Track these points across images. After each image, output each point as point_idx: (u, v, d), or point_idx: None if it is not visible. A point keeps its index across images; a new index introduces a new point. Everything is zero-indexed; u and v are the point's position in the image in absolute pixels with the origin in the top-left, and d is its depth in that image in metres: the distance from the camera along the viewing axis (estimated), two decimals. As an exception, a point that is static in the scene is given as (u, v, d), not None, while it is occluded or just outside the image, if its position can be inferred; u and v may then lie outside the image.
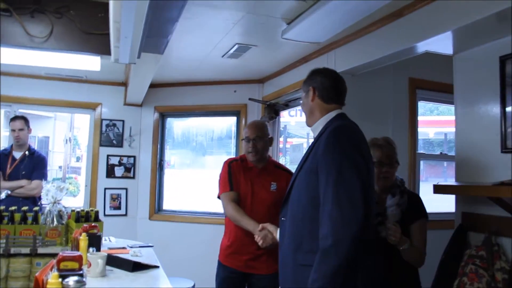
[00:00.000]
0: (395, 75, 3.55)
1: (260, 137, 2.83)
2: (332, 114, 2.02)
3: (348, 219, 1.71)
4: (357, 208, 1.73)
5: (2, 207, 2.91)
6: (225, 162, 2.97)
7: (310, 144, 2.06)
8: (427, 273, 2.50)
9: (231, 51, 3.57)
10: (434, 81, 3.64)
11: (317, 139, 1.95)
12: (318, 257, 1.73)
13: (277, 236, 2.38)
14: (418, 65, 3.57)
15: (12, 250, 2.72)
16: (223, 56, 3.74)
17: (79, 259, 1.79)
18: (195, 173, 5.74)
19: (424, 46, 2.60)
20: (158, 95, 5.10)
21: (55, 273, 1.60)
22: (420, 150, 3.98)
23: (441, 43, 2.55)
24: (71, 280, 1.58)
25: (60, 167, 18.03)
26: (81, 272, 1.70)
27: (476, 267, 2.27)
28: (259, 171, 2.88)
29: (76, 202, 11.36)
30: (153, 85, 4.93)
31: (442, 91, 3.61)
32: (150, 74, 3.61)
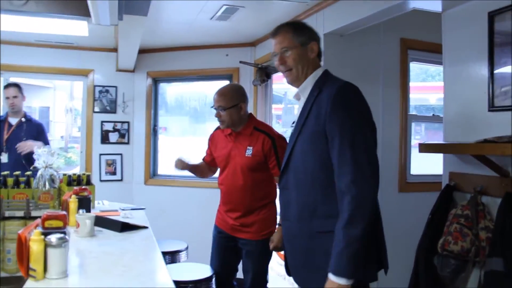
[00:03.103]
0: (386, 36, 3.51)
1: (222, 106, 2.76)
2: (319, 72, 1.91)
3: (370, 180, 1.66)
4: (376, 168, 1.69)
5: (6, 172, 2.94)
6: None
7: (302, 108, 1.89)
8: (416, 234, 2.53)
9: (219, 13, 3.51)
10: (426, 41, 3.59)
11: (313, 100, 1.81)
12: (342, 225, 1.63)
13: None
14: (410, 25, 3.51)
15: (7, 213, 2.77)
16: (211, 18, 3.69)
17: (63, 218, 1.82)
18: (190, 139, 5.75)
19: (412, 3, 2.56)
20: (150, 61, 5.07)
21: (37, 230, 1.63)
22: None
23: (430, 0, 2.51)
24: (53, 237, 1.61)
25: (62, 137, 18.07)
26: (64, 230, 1.73)
27: (460, 226, 2.29)
28: (235, 136, 2.86)
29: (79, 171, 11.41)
30: (145, 51, 4.91)
31: (435, 52, 3.56)
32: (137, 37, 3.58)
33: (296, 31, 1.90)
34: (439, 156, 2.72)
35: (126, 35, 3.52)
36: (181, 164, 3.02)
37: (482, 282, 2.15)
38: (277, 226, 2.78)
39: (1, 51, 4.57)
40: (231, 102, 2.76)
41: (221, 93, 2.82)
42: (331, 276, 1.64)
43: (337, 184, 1.70)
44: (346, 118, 1.70)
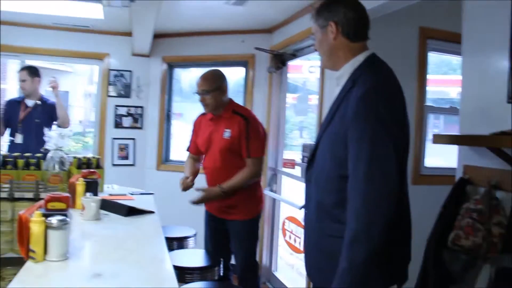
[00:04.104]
0: (405, 24, 3.40)
1: (206, 90, 2.89)
2: (361, 58, 1.68)
3: (382, 201, 1.49)
4: (391, 189, 1.51)
5: (17, 154, 2.97)
6: None
7: (335, 98, 1.71)
8: (428, 227, 2.47)
9: (235, -4, 3.45)
10: (446, 30, 3.48)
11: (344, 95, 1.64)
12: (347, 243, 1.52)
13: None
14: (430, 14, 3.40)
15: (16, 195, 2.79)
16: (227, 2, 3.62)
17: (66, 200, 1.82)
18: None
19: (432, -11, 2.47)
20: (165, 46, 5.04)
21: (38, 211, 1.62)
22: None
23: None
24: (54, 219, 1.61)
25: (80, 121, 18.28)
26: (65, 212, 1.72)
27: (473, 220, 2.22)
28: (216, 119, 2.98)
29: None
30: (160, 35, 4.88)
31: (455, 42, 3.44)
32: (151, 21, 3.55)
33: (317, 14, 1.73)
34: (455, 149, 2.64)
35: (140, 19, 3.50)
36: (187, 185, 3.12)
37: (493, 279, 2.09)
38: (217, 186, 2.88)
39: (18, 33, 4.61)
40: (214, 85, 2.90)
41: (204, 77, 2.96)
42: None
43: (348, 196, 1.56)
44: (367, 130, 1.51)
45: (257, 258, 3.21)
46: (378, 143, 1.51)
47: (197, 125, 3.16)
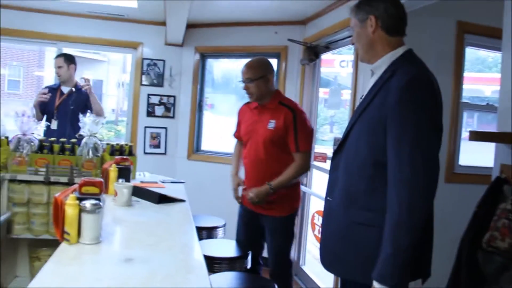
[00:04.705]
0: (442, 18, 3.31)
1: (250, 78, 2.82)
2: (400, 51, 1.72)
3: (426, 187, 1.53)
4: (435, 174, 1.56)
5: (53, 138, 3.04)
6: None
7: (371, 86, 1.75)
8: (461, 227, 2.41)
9: (269, -13, 3.44)
10: (485, 25, 3.37)
11: (382, 84, 1.66)
12: (390, 228, 1.54)
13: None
14: (469, 8, 3.30)
15: (52, 179, 2.87)
16: (261, -7, 3.62)
17: (99, 185, 1.85)
18: (234, 116, 5.73)
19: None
20: (198, 36, 5.06)
21: (73, 195, 1.66)
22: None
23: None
24: (88, 203, 1.64)
25: (113, 110, 18.63)
26: (99, 197, 1.75)
27: (509, 221, 2.14)
28: (260, 109, 2.90)
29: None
30: (193, 25, 4.91)
31: (494, 37, 3.34)
32: (185, 11, 3.57)
33: (357, 8, 1.79)
34: (491, 148, 2.56)
35: (174, 9, 3.52)
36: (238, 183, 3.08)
37: (529, 282, 2.03)
38: (265, 184, 2.78)
39: (55, 20, 4.72)
40: (259, 73, 2.82)
41: (249, 65, 2.88)
42: (374, 283, 1.56)
43: (389, 182, 1.58)
44: (411, 116, 1.54)
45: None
46: (422, 130, 1.54)
47: (241, 113, 3.09)
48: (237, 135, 3.14)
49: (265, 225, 2.90)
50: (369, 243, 1.64)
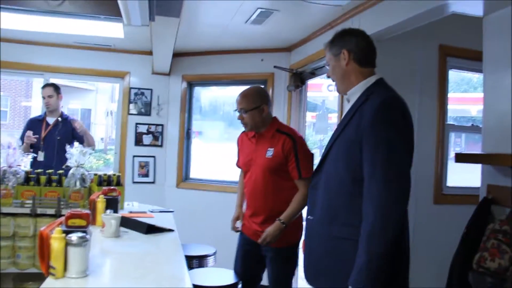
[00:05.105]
0: (425, 42, 3.39)
1: (244, 109, 2.75)
2: (372, 79, 1.88)
3: (397, 201, 1.66)
4: (406, 188, 1.68)
5: (40, 170, 3.01)
6: None
7: (347, 111, 1.91)
8: (451, 248, 2.41)
9: (254, 16, 3.49)
10: (466, 48, 3.45)
11: (358, 107, 1.81)
12: (365, 237, 1.65)
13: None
14: (450, 31, 3.38)
15: (39, 211, 2.83)
16: (246, 22, 3.67)
17: (86, 217, 1.83)
18: (223, 143, 5.75)
19: (452, 6, 2.45)
20: (185, 64, 5.11)
21: (59, 228, 1.63)
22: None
23: (471, 3, 2.39)
24: (74, 236, 1.61)
25: (102, 139, 18.56)
26: (85, 229, 1.73)
27: (498, 242, 2.16)
28: (257, 138, 2.84)
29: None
30: (180, 54, 4.96)
31: (475, 59, 3.40)
32: (171, 40, 3.60)
33: (332, 44, 1.96)
34: (478, 169, 2.59)
35: (160, 37, 3.56)
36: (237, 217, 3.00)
37: (521, 303, 2.02)
38: (276, 221, 2.68)
39: (42, 52, 4.74)
40: (253, 104, 2.75)
41: (243, 95, 2.82)
42: None
43: (364, 197, 1.70)
44: (384, 135, 1.69)
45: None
46: (394, 148, 1.68)
47: (240, 142, 3.03)
48: (238, 164, 3.07)
49: (267, 255, 2.81)
50: (350, 256, 1.72)
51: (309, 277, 1.97)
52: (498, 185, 2.38)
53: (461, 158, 2.44)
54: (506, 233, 2.14)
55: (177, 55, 4.86)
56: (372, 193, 1.67)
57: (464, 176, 3.63)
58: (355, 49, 1.89)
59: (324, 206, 1.87)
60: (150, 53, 4.84)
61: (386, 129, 1.69)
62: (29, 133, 4.06)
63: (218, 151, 5.61)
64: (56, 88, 4.18)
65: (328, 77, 2.04)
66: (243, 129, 2.94)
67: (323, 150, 1.98)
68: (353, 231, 1.72)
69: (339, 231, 1.79)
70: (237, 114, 2.83)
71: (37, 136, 4.06)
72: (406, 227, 1.86)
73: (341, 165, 1.81)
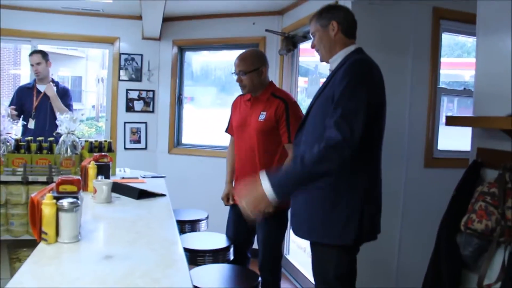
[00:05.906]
0: (418, 4, 3.33)
1: (243, 71, 2.78)
2: (352, 48, 2.05)
3: (347, 138, 1.77)
4: (356, 133, 1.79)
5: (30, 138, 2.99)
6: None
7: (328, 76, 2.06)
8: (441, 211, 2.45)
9: (245, -22, 3.41)
10: (460, 10, 3.40)
11: (336, 70, 1.98)
12: (309, 156, 1.82)
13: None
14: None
15: (30, 178, 2.83)
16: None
17: (77, 183, 1.82)
18: (215, 109, 5.71)
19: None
20: (176, 29, 5.02)
21: (49, 194, 1.64)
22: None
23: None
24: (65, 201, 1.61)
25: (93, 106, 18.41)
26: (76, 195, 1.73)
27: (486, 204, 2.19)
28: (253, 101, 2.87)
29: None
30: (170, 19, 4.86)
31: (469, 22, 3.36)
32: (161, 3, 3.53)
33: (319, 16, 2.10)
34: (469, 132, 2.60)
35: (150, 2, 3.47)
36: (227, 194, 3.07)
37: (507, 263, 2.07)
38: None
39: (29, 17, 4.63)
40: (252, 66, 2.78)
41: (242, 57, 2.84)
42: (266, 184, 1.86)
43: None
44: (348, 85, 1.85)
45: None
46: (355, 98, 1.83)
47: (235, 105, 3.04)
48: (230, 130, 3.09)
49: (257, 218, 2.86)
50: (323, 205, 1.95)
51: (294, 229, 2.14)
52: (487, 148, 2.40)
53: (451, 121, 2.44)
54: (494, 195, 2.17)
55: (167, 19, 4.77)
56: (327, 129, 1.82)
57: (456, 140, 3.65)
58: (343, 21, 2.05)
59: None
60: (139, 17, 4.75)
61: (352, 81, 1.85)
62: (12, 109, 3.95)
63: (210, 117, 5.58)
64: (44, 54, 4.10)
65: (313, 47, 2.17)
66: (235, 95, 2.94)
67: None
68: (326, 180, 1.88)
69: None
70: (235, 77, 2.85)
71: (15, 107, 3.95)
72: (379, 180, 2.07)
73: (318, 120, 1.96)
